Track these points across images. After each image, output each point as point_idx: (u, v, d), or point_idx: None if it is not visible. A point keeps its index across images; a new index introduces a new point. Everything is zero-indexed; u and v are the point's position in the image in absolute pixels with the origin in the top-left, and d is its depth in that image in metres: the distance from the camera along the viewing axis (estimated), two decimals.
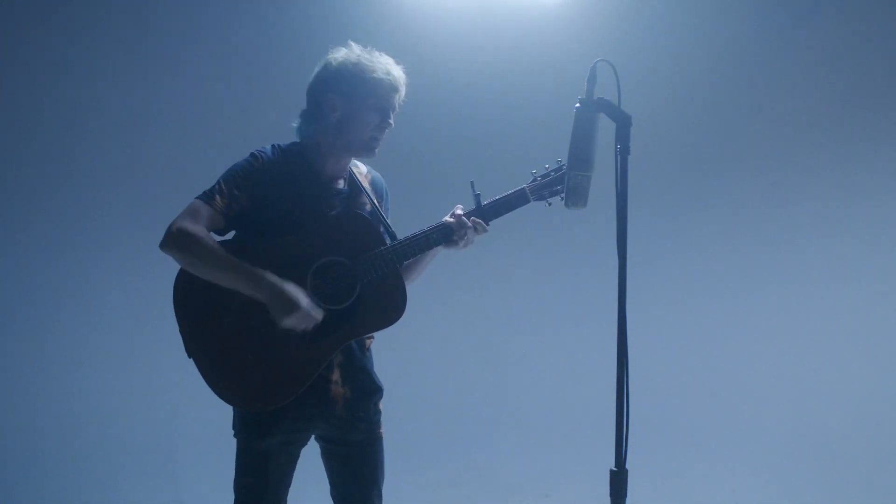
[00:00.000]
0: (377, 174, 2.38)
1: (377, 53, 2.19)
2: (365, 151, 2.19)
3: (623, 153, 1.84)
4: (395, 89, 2.16)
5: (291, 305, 2.00)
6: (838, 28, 4.42)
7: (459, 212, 2.23)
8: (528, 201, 2.26)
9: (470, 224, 2.20)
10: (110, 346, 4.29)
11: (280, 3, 4.28)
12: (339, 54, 2.17)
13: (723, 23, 4.40)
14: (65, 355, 4.28)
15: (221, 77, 4.30)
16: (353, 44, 2.19)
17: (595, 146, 1.91)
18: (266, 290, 2.00)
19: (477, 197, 2.23)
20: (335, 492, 2.30)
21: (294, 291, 2.01)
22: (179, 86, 4.29)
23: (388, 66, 2.16)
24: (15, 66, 4.24)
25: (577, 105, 1.89)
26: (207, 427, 3.99)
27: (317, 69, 2.20)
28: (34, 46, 4.25)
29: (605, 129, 1.89)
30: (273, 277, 2.01)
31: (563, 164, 2.17)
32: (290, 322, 2.02)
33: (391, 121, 2.17)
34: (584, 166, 1.92)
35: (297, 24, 4.20)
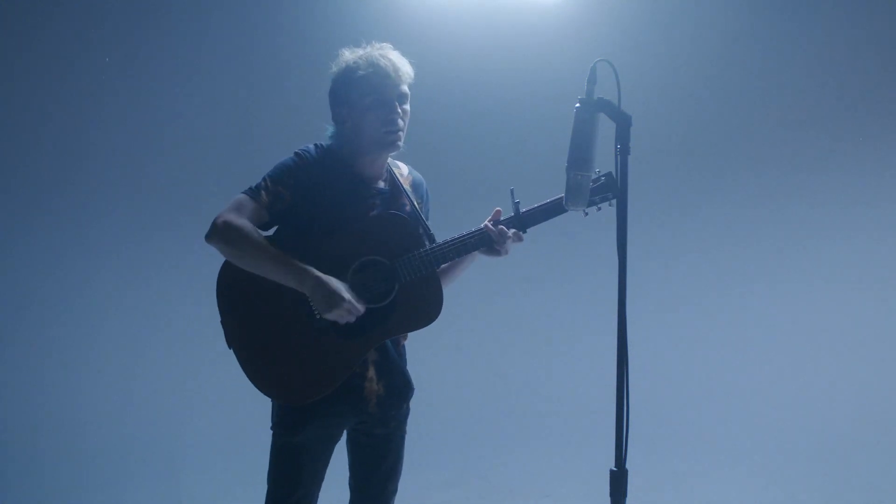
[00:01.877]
0: (418, 175, 2.38)
1: (369, 48, 2.17)
2: (387, 147, 2.17)
3: (623, 153, 1.84)
4: (387, 77, 2.12)
5: (334, 299, 2.04)
6: (839, 27, 4.42)
7: (499, 216, 2.24)
8: (565, 210, 2.23)
9: (510, 235, 2.22)
10: (113, 348, 4.30)
11: (289, 6, 4.28)
12: (334, 65, 2.19)
13: (723, 22, 4.40)
14: (68, 357, 4.28)
15: (230, 81, 4.31)
16: (343, 51, 2.19)
17: (595, 146, 1.91)
18: (309, 284, 2.04)
19: (516, 205, 2.24)
20: (353, 480, 2.34)
21: (337, 286, 2.06)
22: (187, 88, 4.29)
23: (371, 59, 2.13)
24: (19, 69, 4.25)
25: (577, 105, 1.89)
26: (210, 429, 4.01)
27: None
28: (37, 48, 4.25)
29: (605, 129, 1.89)
30: (316, 272, 2.05)
31: (602, 175, 2.19)
32: (332, 315, 2.06)
33: (399, 109, 2.15)
34: (584, 166, 1.91)
35: (309, 29, 4.19)
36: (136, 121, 4.32)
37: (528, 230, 2.26)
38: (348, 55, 2.17)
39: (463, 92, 4.29)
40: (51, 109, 4.29)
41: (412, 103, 2.21)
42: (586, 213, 2.21)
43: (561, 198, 2.21)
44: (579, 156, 1.90)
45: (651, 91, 4.10)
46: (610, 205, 2.21)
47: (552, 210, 2.25)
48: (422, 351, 4.16)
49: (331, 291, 2.04)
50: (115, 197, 4.31)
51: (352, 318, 2.08)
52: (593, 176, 2.20)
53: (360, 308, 2.08)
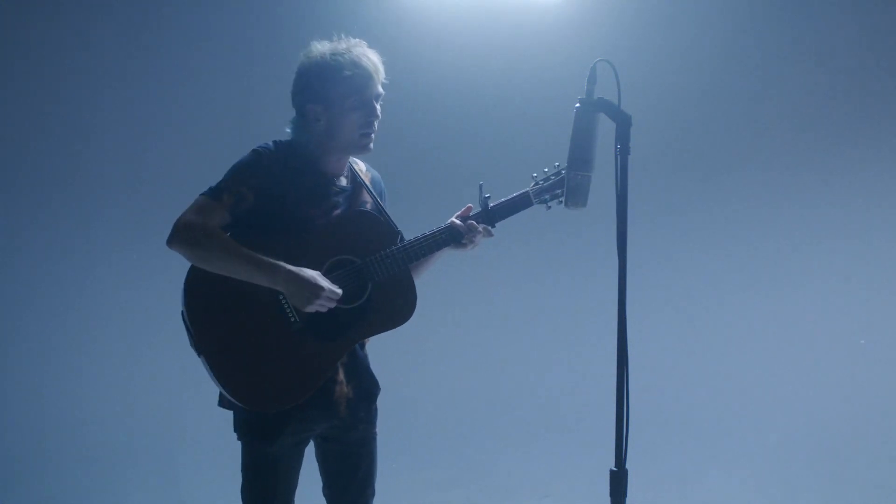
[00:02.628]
0: (376, 173, 2.35)
1: (344, 45, 2.11)
2: (359, 149, 2.15)
3: (623, 153, 1.84)
4: (369, 78, 2.09)
5: (312, 289, 1.99)
6: (838, 28, 4.42)
7: (469, 212, 2.23)
8: (532, 204, 2.25)
9: (480, 229, 2.20)
10: (113, 349, 4.30)
11: (292, 7, 4.27)
12: (305, 59, 2.13)
13: (722, 23, 4.40)
14: (68, 357, 4.28)
15: (230, 81, 4.31)
16: (315, 44, 2.13)
17: (595, 146, 1.91)
18: (282, 279, 1.99)
19: (485, 200, 2.23)
20: (328, 490, 2.29)
21: (311, 274, 2.00)
22: (182, 88, 4.29)
23: (354, 59, 2.08)
24: (19, 68, 4.25)
25: (577, 105, 1.89)
26: (210, 430, 3.99)
27: (294, 77, 2.15)
28: (37, 48, 4.25)
29: (605, 129, 1.89)
30: (287, 266, 1.99)
31: (562, 168, 2.16)
32: (313, 306, 2.00)
33: (377, 112, 2.13)
34: (584, 166, 1.91)
35: (315, 30, 4.18)
36: (135, 121, 4.32)
37: (496, 225, 2.25)
38: (320, 49, 2.11)
39: (463, 92, 4.28)
40: (50, 109, 4.29)
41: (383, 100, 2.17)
42: (549, 207, 2.24)
43: (527, 191, 2.25)
44: (579, 156, 1.90)
45: (651, 91, 4.09)
46: (560, 202, 2.18)
47: (519, 204, 2.25)
48: (423, 351, 4.18)
49: (306, 282, 1.98)
50: (114, 197, 4.31)
51: (332, 305, 2.02)
52: (552, 171, 2.22)
53: (338, 291, 2.03)
